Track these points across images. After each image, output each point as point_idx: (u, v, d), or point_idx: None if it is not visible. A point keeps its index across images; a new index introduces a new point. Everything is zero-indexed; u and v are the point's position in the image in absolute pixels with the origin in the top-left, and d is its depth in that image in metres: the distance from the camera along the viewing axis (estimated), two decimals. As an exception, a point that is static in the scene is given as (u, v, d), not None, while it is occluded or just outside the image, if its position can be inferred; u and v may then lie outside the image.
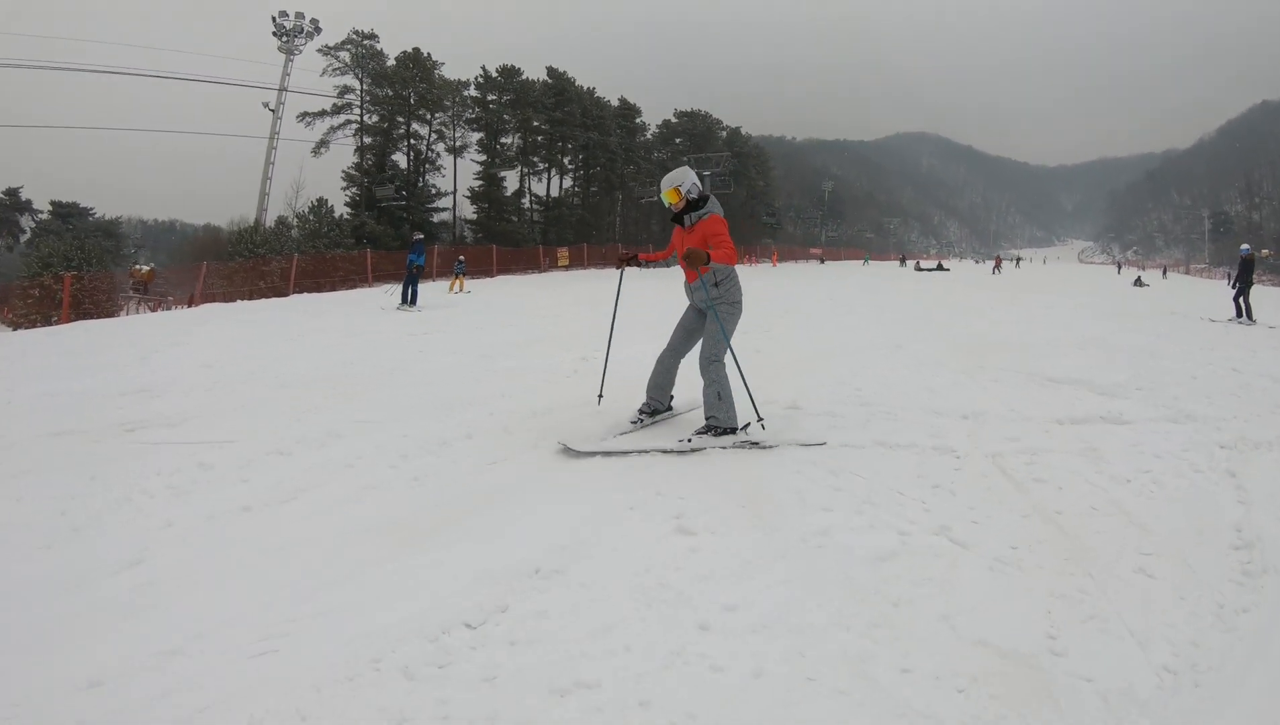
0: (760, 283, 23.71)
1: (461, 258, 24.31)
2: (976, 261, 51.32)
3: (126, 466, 4.34)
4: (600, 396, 5.11)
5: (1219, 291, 23.47)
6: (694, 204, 4.39)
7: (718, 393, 4.34)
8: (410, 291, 16.12)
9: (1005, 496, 3.39)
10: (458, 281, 22.13)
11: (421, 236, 17.71)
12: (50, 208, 52.27)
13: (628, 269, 5.04)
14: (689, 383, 4.87)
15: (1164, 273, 52.17)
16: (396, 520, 3.33)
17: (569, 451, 4.17)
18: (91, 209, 53.16)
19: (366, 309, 16.06)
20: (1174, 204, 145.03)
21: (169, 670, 2.28)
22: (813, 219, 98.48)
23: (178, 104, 57.53)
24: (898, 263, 55.78)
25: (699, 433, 4.38)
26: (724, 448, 4.24)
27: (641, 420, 4.74)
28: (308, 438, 4.81)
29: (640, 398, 4.95)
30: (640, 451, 4.18)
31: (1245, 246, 14.93)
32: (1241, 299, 13.83)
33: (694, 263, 4.09)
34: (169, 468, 4.26)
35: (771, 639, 2.22)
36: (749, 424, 4.45)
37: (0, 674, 2.26)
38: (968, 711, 1.92)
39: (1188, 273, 68.61)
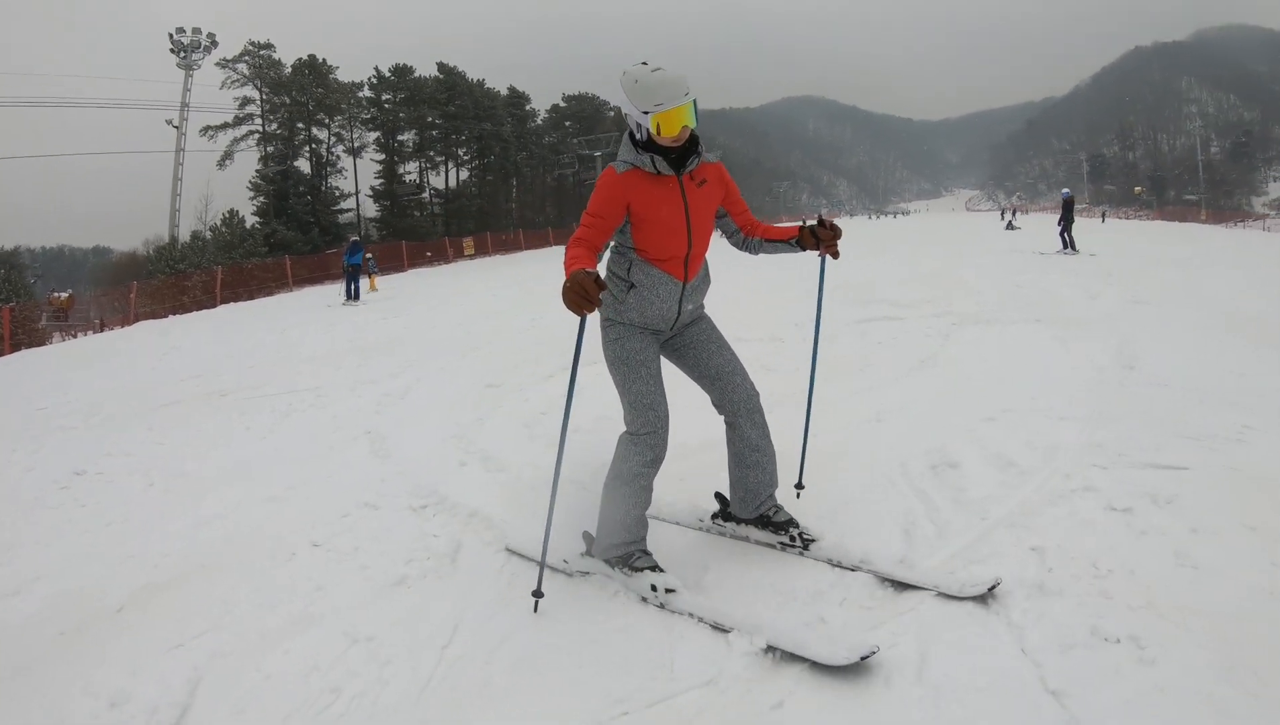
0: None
1: (370, 255, 21.27)
2: (870, 217, 54.38)
3: (354, 389, 6.50)
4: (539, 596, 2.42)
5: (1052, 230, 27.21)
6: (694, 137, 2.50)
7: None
8: (354, 288, 17.75)
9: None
10: (370, 280, 20.61)
11: (357, 239, 19.45)
12: (-62, 245, 50.01)
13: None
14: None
15: (1013, 214, 46.92)
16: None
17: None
18: (-17, 242, 51.10)
19: (316, 307, 17.41)
20: (1054, 150, 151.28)
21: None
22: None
23: (54, 127, 55.38)
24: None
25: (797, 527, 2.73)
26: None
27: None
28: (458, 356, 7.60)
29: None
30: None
31: (1066, 191, 18.08)
32: (1065, 234, 16.50)
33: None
34: (397, 381, 6.58)
35: (867, 387, 4.76)
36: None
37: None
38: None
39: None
